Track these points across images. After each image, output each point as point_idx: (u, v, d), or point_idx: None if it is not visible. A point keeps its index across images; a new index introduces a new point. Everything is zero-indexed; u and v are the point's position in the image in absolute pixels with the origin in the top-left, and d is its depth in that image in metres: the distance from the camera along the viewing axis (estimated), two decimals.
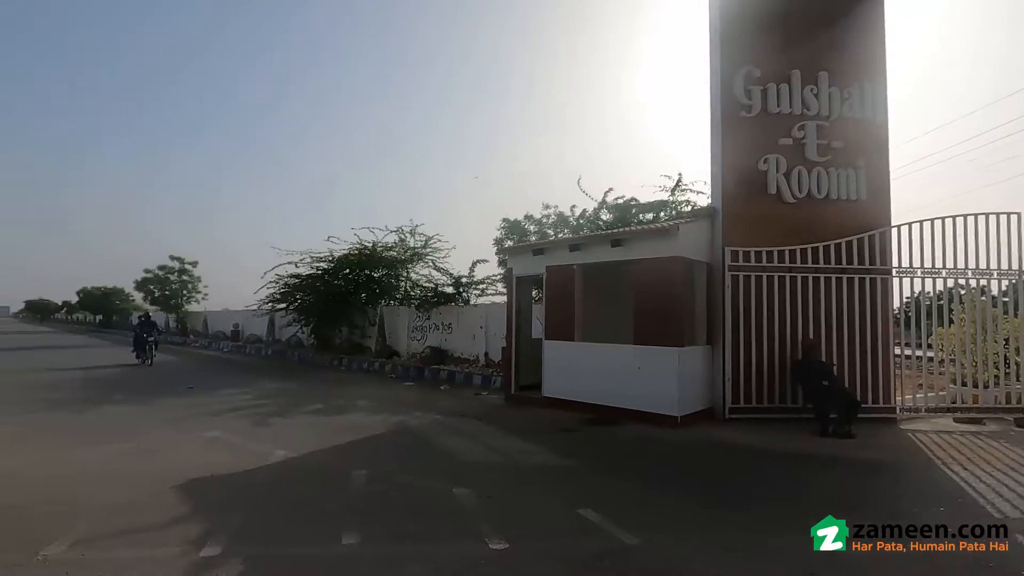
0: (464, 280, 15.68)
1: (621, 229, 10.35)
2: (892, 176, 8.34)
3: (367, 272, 16.51)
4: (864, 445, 6.31)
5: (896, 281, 8.01)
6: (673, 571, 3.29)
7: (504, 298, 11.67)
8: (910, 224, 7.98)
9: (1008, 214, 7.94)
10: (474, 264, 15.65)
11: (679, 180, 12.84)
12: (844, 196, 8.07)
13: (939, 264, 7.94)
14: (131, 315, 47.57)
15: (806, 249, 7.87)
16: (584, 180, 13.60)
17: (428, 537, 3.73)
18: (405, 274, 17.00)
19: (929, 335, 8.28)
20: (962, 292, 8.39)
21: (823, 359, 7.57)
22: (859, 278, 7.88)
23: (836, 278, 7.85)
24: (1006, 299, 8.22)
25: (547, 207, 14.60)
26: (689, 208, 12.27)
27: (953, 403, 7.93)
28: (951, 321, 8.35)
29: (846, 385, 7.50)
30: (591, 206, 13.88)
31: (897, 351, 8.29)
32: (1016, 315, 8.05)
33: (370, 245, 16.69)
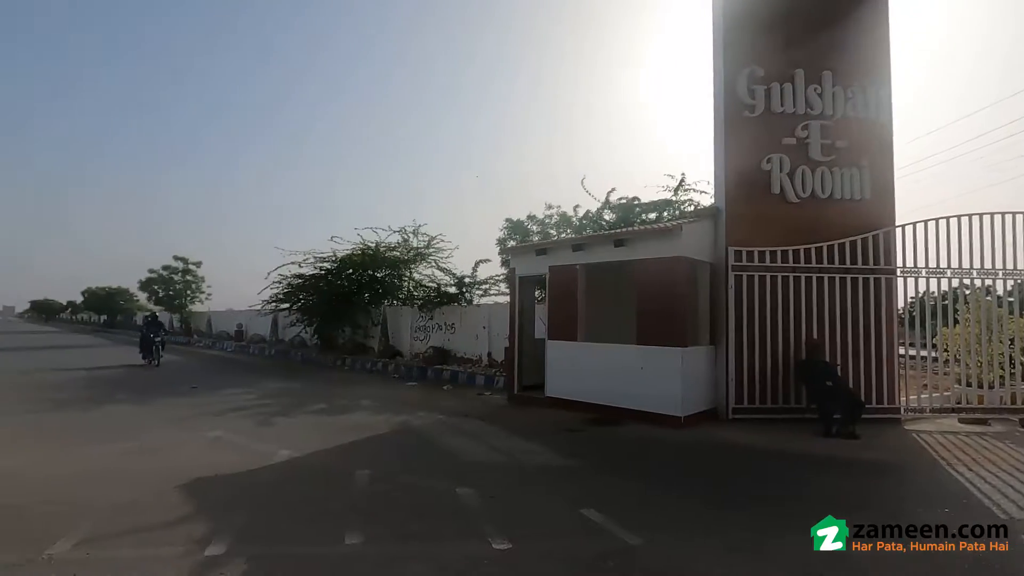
0: (467, 280, 15.70)
1: (624, 229, 10.34)
2: (896, 176, 8.32)
3: (370, 272, 16.53)
4: (868, 446, 6.29)
5: (901, 281, 7.98)
6: (676, 571, 3.28)
7: (507, 298, 11.67)
8: (915, 224, 7.95)
9: (1014, 213, 7.90)
10: (477, 264, 15.70)
11: (682, 180, 12.84)
12: (848, 196, 8.04)
13: (944, 264, 7.90)
14: (135, 315, 47.80)
15: (810, 249, 7.85)
16: (588, 180, 13.73)
17: (431, 537, 3.73)
18: (408, 274, 17.02)
19: (934, 335, 8.24)
20: (967, 292, 8.35)
21: (827, 359, 7.56)
22: (863, 278, 7.85)
23: (840, 278, 7.83)
24: (1011, 299, 8.18)
25: (550, 207, 14.63)
26: (692, 208, 12.25)
27: (958, 403, 7.90)
28: (956, 321, 8.31)
29: (850, 385, 7.47)
30: (594, 206, 13.90)
31: (902, 351, 8.26)
32: (1022, 315, 8.01)
33: (373, 245, 16.73)
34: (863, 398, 7.33)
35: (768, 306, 7.81)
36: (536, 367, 9.16)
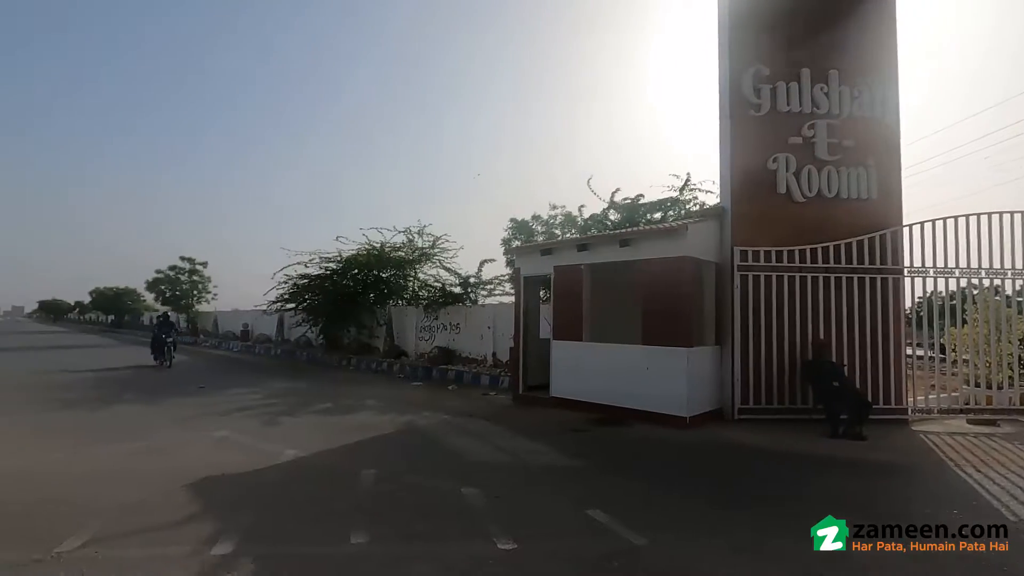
0: (472, 280, 15.71)
1: (629, 229, 10.32)
2: (903, 175, 8.26)
3: (375, 272, 16.56)
4: (875, 447, 6.25)
5: (908, 281, 7.92)
6: (681, 571, 3.28)
7: (512, 298, 11.67)
8: (922, 223, 7.90)
9: (1022, 212, 7.83)
10: (482, 264, 15.70)
11: (687, 180, 12.79)
12: (855, 195, 8.00)
13: (952, 264, 7.85)
14: (142, 315, 48.12)
15: (816, 249, 7.81)
16: (592, 181, 13.61)
17: (436, 537, 3.74)
18: (413, 274, 17.05)
19: (942, 335, 8.19)
20: (975, 292, 8.29)
21: (834, 359, 7.52)
22: (870, 278, 7.80)
23: (847, 278, 7.79)
24: (1020, 299, 8.12)
25: (554, 207, 14.58)
26: (697, 208, 12.21)
27: (966, 404, 7.84)
28: (964, 321, 8.25)
29: (857, 386, 7.43)
30: (599, 207, 13.85)
31: (909, 351, 8.21)
32: None
33: (378, 245, 16.76)
34: (870, 399, 7.29)
35: (774, 306, 7.78)
36: (541, 367, 9.16)
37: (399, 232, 17.07)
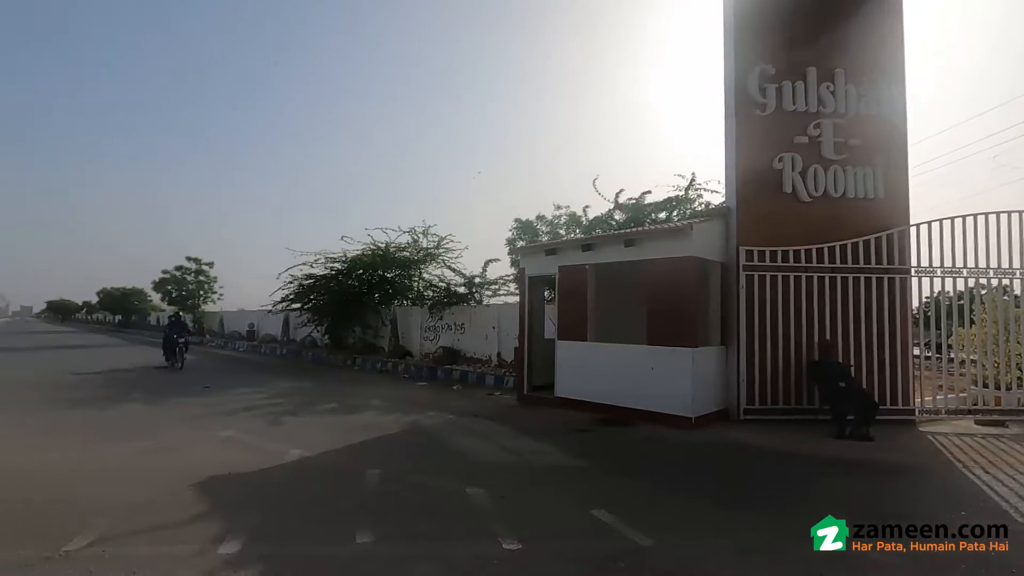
0: (477, 280, 15.71)
1: (634, 229, 10.30)
2: (910, 175, 8.21)
3: (380, 272, 16.59)
4: (882, 447, 6.22)
5: (915, 281, 7.87)
6: (686, 572, 3.27)
7: (517, 298, 11.67)
8: (929, 223, 7.84)
9: None
10: (486, 264, 15.68)
11: (693, 179, 12.76)
12: (861, 195, 7.95)
13: (959, 263, 7.80)
14: (149, 315, 48.39)
15: (822, 248, 7.77)
16: (596, 181, 13.57)
17: (441, 537, 3.75)
18: (418, 274, 17.07)
19: (949, 335, 8.13)
20: (983, 291, 8.23)
21: (840, 360, 7.48)
22: (877, 278, 7.76)
23: (853, 278, 7.75)
24: None
25: (559, 207, 14.56)
26: (703, 208, 12.17)
27: (974, 405, 7.79)
28: (972, 321, 8.19)
29: (864, 386, 7.39)
30: (604, 207, 13.83)
31: (916, 352, 8.16)
32: None
33: (383, 246, 16.79)
34: (877, 399, 7.25)
35: (780, 306, 7.74)
36: (546, 367, 9.16)
37: (404, 232, 17.11)
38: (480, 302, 15.30)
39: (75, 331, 49.32)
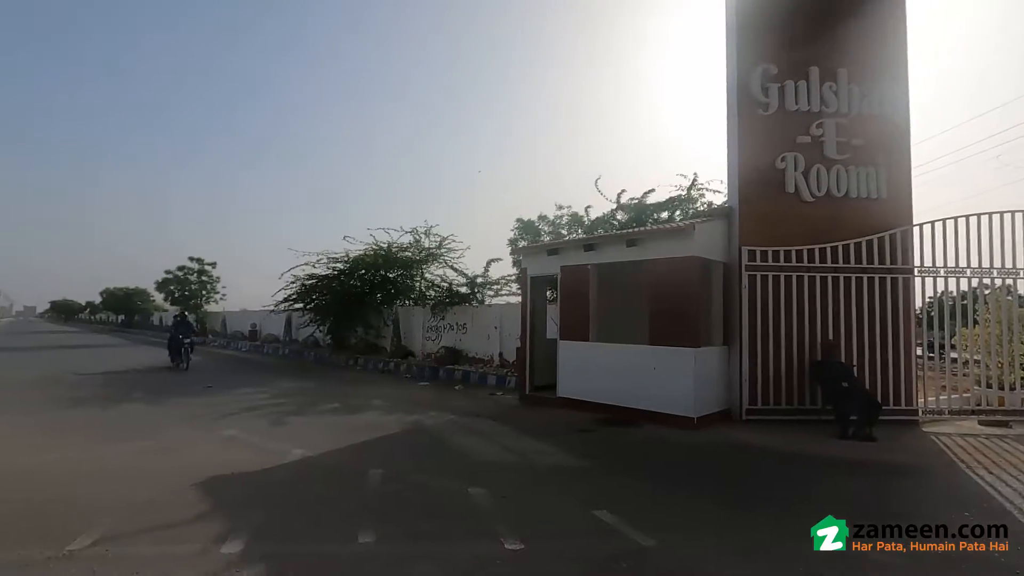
0: (479, 280, 15.72)
1: (636, 229, 10.29)
2: (912, 175, 8.18)
3: (382, 272, 16.61)
4: (885, 448, 6.20)
5: (918, 281, 7.85)
6: (688, 572, 3.26)
7: (519, 298, 11.66)
8: (932, 223, 7.82)
9: None
10: (489, 263, 15.68)
11: (695, 179, 12.74)
12: (864, 194, 7.93)
13: (963, 263, 7.77)
14: (152, 315, 48.50)
15: (825, 248, 7.75)
16: (598, 181, 13.55)
17: (443, 536, 3.75)
18: (420, 274, 17.08)
19: (953, 336, 8.11)
20: (987, 291, 8.20)
21: (843, 360, 7.46)
22: (880, 278, 7.74)
23: (856, 278, 7.73)
24: None
25: (560, 208, 14.55)
26: (705, 207, 12.15)
27: (978, 405, 7.76)
28: (975, 321, 8.16)
29: (867, 387, 7.37)
30: (606, 207, 13.82)
31: (919, 352, 8.13)
32: None
33: (385, 245, 16.81)
34: (880, 399, 7.23)
35: (782, 306, 7.73)
36: (548, 367, 9.16)
37: (406, 232, 17.12)
38: (482, 302, 15.30)
39: (78, 331, 49.45)
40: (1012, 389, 7.84)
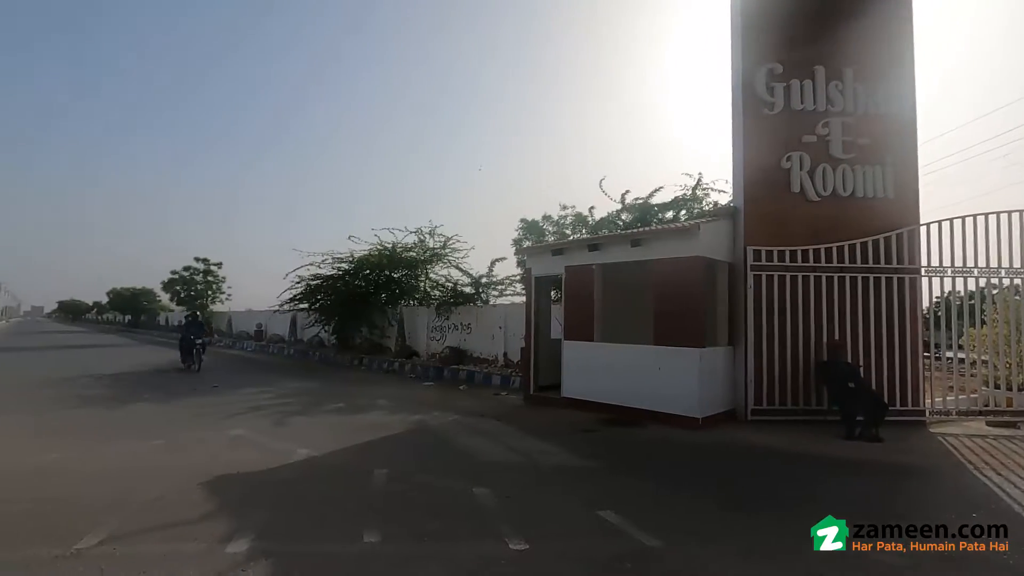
0: (483, 280, 15.73)
1: (641, 229, 10.27)
2: (919, 174, 8.13)
3: (387, 272, 16.65)
4: (892, 448, 6.16)
5: (925, 280, 7.80)
6: (692, 573, 3.26)
7: (523, 298, 11.66)
8: (939, 222, 7.77)
9: None
10: (493, 263, 15.70)
11: (700, 179, 12.71)
12: (870, 194, 7.89)
13: (970, 263, 7.71)
14: (158, 315, 48.78)
15: (831, 248, 7.72)
16: (605, 181, 13.54)
17: (448, 536, 3.75)
18: (424, 274, 17.11)
19: (960, 336, 8.05)
20: (995, 291, 8.14)
21: (849, 360, 7.43)
22: (886, 277, 7.70)
23: (862, 278, 7.69)
24: None
25: (565, 208, 14.55)
26: (710, 207, 12.12)
27: (986, 406, 7.71)
28: (983, 321, 8.11)
29: (873, 387, 7.33)
30: (611, 207, 13.80)
31: (926, 352, 8.08)
32: None
33: (390, 246, 16.85)
34: (887, 400, 7.19)
35: (788, 306, 7.70)
36: (552, 367, 9.15)
37: (411, 232, 17.18)
38: (486, 302, 15.32)
39: (85, 331, 49.78)
40: (1020, 390, 7.79)
